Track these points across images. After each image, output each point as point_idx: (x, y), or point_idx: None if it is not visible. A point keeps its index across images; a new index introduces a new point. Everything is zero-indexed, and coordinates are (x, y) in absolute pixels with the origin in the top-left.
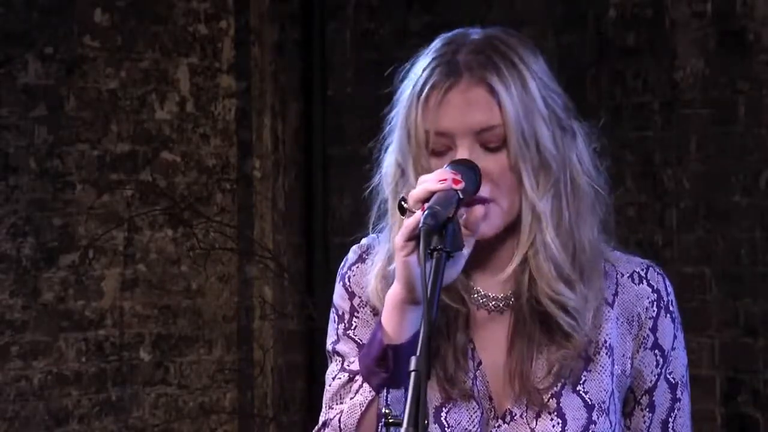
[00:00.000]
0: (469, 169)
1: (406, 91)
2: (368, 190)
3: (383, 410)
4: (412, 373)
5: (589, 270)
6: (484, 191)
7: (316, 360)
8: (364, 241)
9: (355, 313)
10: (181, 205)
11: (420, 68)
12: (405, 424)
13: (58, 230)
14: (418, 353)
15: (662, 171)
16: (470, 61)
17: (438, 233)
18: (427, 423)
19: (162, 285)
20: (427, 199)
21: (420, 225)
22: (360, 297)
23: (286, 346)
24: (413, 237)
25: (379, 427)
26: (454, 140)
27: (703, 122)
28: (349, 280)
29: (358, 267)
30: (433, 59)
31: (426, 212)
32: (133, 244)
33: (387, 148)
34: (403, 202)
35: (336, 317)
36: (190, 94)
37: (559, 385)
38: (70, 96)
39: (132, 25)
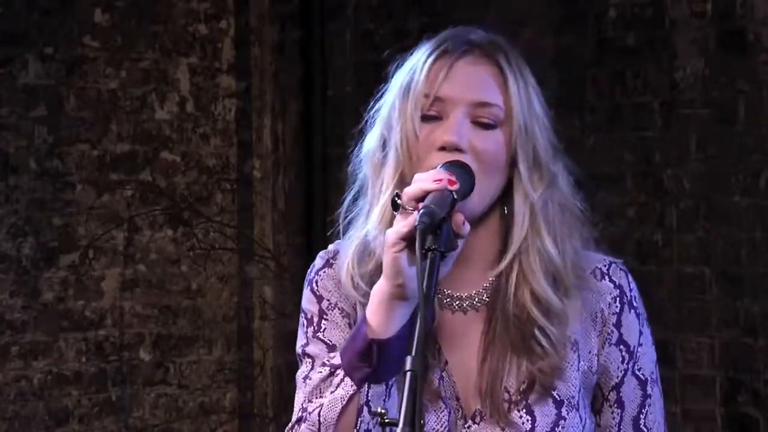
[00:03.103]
0: (464, 171)
1: (405, 69)
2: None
3: (379, 410)
4: (408, 374)
5: (571, 286)
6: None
7: None
8: (330, 246)
9: (324, 316)
10: (181, 205)
11: (426, 47)
12: (401, 424)
13: (58, 230)
14: (413, 353)
15: (662, 171)
16: (483, 41)
17: (433, 233)
18: (423, 423)
19: (162, 285)
20: (421, 198)
21: (416, 224)
22: (328, 300)
23: (286, 346)
24: (408, 237)
25: (370, 427)
26: (447, 108)
27: (703, 122)
28: (316, 285)
29: (325, 272)
30: (443, 38)
31: (422, 211)
32: (133, 244)
33: (366, 136)
34: (397, 198)
35: (305, 321)
36: (190, 94)
37: (532, 396)
38: (70, 96)
39: (132, 25)
